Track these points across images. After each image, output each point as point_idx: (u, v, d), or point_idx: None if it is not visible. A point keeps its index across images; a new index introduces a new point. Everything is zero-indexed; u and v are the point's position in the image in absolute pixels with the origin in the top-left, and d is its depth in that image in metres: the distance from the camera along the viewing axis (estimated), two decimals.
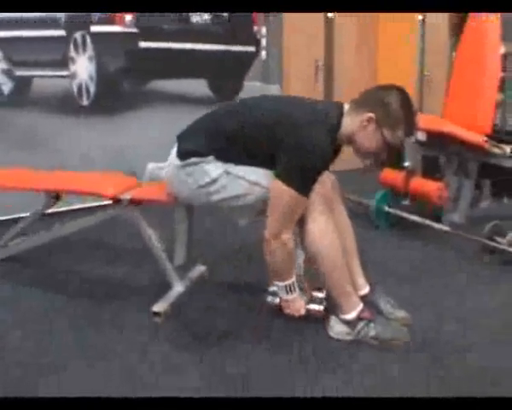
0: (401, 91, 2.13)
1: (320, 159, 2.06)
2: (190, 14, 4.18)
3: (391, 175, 3.49)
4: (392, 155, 2.27)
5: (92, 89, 3.91)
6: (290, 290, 2.23)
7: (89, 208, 3.03)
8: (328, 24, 4.66)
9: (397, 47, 5.25)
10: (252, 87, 4.57)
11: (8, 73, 3.67)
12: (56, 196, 2.81)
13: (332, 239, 2.14)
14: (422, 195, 3.31)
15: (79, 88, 3.89)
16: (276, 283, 2.25)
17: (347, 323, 2.18)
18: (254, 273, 2.73)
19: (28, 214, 2.91)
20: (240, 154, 2.17)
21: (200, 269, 2.81)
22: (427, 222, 3.27)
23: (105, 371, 2.05)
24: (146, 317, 2.38)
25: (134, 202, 2.55)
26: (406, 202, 3.52)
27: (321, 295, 2.34)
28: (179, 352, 2.17)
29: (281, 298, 2.29)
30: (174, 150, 2.29)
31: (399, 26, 5.15)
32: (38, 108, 3.75)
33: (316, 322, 2.30)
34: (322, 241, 2.13)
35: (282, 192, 2.05)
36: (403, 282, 2.76)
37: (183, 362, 2.10)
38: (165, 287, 2.54)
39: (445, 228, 3.17)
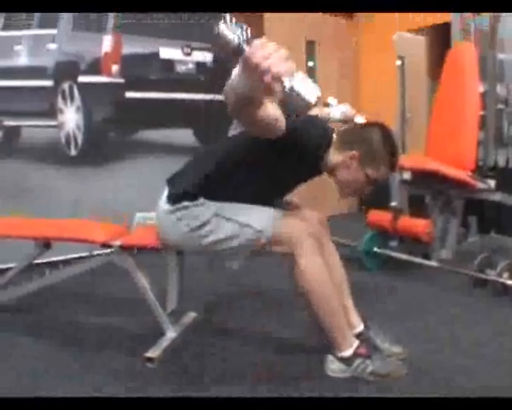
0: (383, 128, 2.17)
1: (309, 147, 2.09)
2: (175, 62, 4.25)
3: (378, 216, 3.53)
4: (374, 191, 2.29)
5: (80, 139, 3.94)
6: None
7: (79, 258, 3.02)
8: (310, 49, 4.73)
9: (379, 83, 5.36)
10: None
11: None
12: (46, 245, 2.79)
13: (324, 276, 2.13)
14: (411, 234, 3.34)
15: (67, 138, 3.92)
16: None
17: (344, 360, 2.17)
18: (247, 318, 2.71)
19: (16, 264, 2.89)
20: (230, 189, 2.18)
21: (192, 315, 2.80)
22: (417, 260, 3.29)
23: None
24: (139, 363, 2.35)
25: (125, 248, 2.54)
26: (394, 244, 3.56)
27: None
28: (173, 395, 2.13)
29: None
30: (164, 195, 2.29)
31: (381, 61, 5.28)
32: (27, 157, 3.77)
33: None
34: (314, 279, 2.12)
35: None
36: (394, 319, 2.76)
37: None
38: (158, 333, 2.52)
39: (435, 264, 3.20)
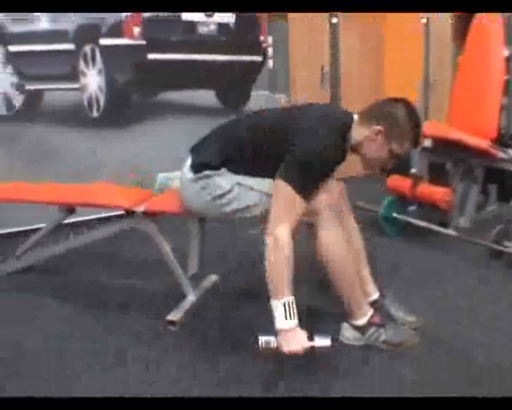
0: (408, 104, 2.18)
1: (324, 162, 2.08)
2: (197, 24, 4.24)
3: (398, 182, 3.53)
4: (398, 163, 2.32)
5: (102, 101, 3.97)
6: (289, 314, 1.96)
7: (105, 218, 3.08)
8: (333, 30, 4.71)
9: (403, 50, 5.28)
10: (259, 96, 4.63)
11: (19, 87, 3.74)
12: (70, 210, 2.86)
13: (342, 248, 2.18)
14: (429, 201, 3.35)
15: (90, 101, 3.95)
16: (273, 301, 1.99)
17: (358, 329, 2.23)
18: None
19: (43, 226, 2.97)
20: (251, 165, 2.22)
21: (212, 279, 2.87)
22: (435, 228, 3.31)
23: (122, 377, 2.11)
24: (161, 325, 2.45)
25: (148, 214, 2.60)
26: (413, 208, 3.56)
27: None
28: (194, 359, 2.22)
29: (277, 332, 1.97)
30: (187, 163, 2.34)
31: (405, 30, 5.19)
32: (49, 120, 3.81)
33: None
34: (333, 250, 2.16)
35: (281, 188, 2.05)
36: (412, 287, 2.80)
37: (198, 370, 2.15)
38: (180, 295, 2.60)
39: (453, 233, 3.21)
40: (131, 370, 2.16)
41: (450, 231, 3.24)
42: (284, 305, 1.96)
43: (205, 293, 2.74)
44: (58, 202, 2.81)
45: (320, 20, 4.68)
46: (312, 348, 1.96)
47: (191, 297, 2.63)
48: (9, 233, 3.59)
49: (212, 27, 4.30)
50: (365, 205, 3.67)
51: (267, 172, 2.18)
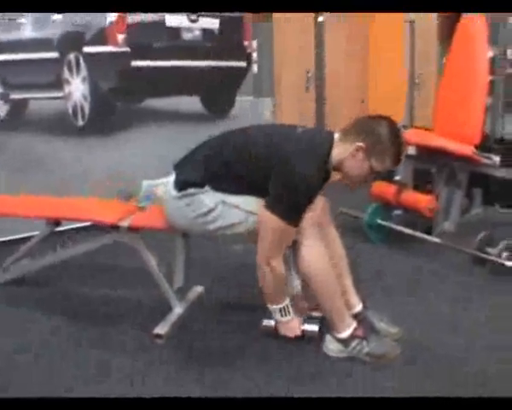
0: (390, 122, 2.21)
1: (308, 190, 2.14)
2: (181, 30, 4.23)
3: (382, 188, 3.54)
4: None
5: (87, 109, 3.96)
6: (284, 313, 2.34)
7: (92, 227, 3.08)
8: (318, 29, 4.71)
9: (388, 51, 5.30)
10: (245, 102, 4.64)
11: (3, 97, 3.72)
12: (56, 223, 2.87)
13: (324, 263, 2.22)
14: (413, 208, 3.37)
15: (74, 109, 3.94)
16: (270, 306, 2.34)
17: (342, 341, 2.26)
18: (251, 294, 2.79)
19: (28, 235, 2.98)
20: (235, 184, 2.25)
21: (197, 290, 2.89)
22: (419, 234, 3.33)
23: (108, 389, 2.11)
24: (147, 337, 2.46)
25: (133, 229, 2.61)
26: (398, 213, 3.58)
27: (316, 315, 2.41)
28: (180, 372, 2.24)
29: (276, 320, 2.38)
30: (171, 180, 2.36)
31: (390, 30, 5.21)
32: (34, 129, 3.79)
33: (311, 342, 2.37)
34: (315, 265, 2.21)
35: (269, 221, 2.14)
36: (395, 295, 2.84)
37: (184, 382, 2.17)
38: (166, 307, 2.62)
39: (436, 240, 3.24)
40: (117, 383, 2.17)
41: (434, 239, 3.26)
42: (281, 309, 2.33)
43: (191, 305, 2.75)
44: (43, 216, 2.81)
45: (305, 19, 4.69)
46: (302, 332, 2.38)
47: (178, 310, 2.64)
48: None
49: (197, 33, 4.29)
50: (350, 211, 3.70)
51: (252, 190, 2.23)
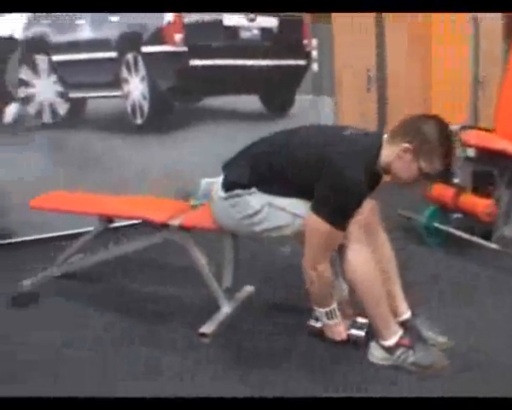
0: (439, 121, 2.13)
1: (356, 194, 2.10)
2: (239, 29, 4.25)
3: (440, 191, 3.44)
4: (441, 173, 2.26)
5: (146, 108, 4.04)
6: (331, 316, 2.32)
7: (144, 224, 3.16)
8: (379, 29, 4.62)
9: (451, 50, 5.13)
10: (304, 100, 4.61)
11: (63, 96, 3.85)
12: (109, 220, 2.94)
13: (370, 268, 2.18)
14: (471, 212, 3.26)
15: (133, 108, 4.03)
16: (317, 309, 2.32)
17: (387, 349, 2.21)
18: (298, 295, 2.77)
19: (83, 230, 3.07)
20: (283, 187, 2.23)
21: (247, 290, 2.90)
22: (476, 239, 3.22)
23: (157, 390, 2.14)
24: (195, 336, 2.49)
25: (184, 228, 2.64)
26: (459, 216, 3.46)
27: (363, 320, 2.38)
28: (228, 371, 2.26)
29: (323, 323, 2.37)
30: (219, 180, 2.37)
31: (453, 29, 5.04)
32: (93, 128, 3.91)
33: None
34: (361, 270, 2.17)
35: (316, 224, 2.10)
36: (448, 302, 2.74)
37: (230, 382, 2.18)
38: (215, 306, 2.64)
39: (494, 246, 3.12)
40: (167, 380, 2.21)
41: (492, 244, 3.13)
42: (327, 312, 2.30)
43: (240, 305, 2.77)
44: (95, 213, 2.89)
45: (366, 20, 4.62)
46: (348, 336, 2.36)
47: (225, 309, 2.66)
48: (52, 237, 3.72)
49: (255, 32, 4.30)
50: (407, 213, 3.62)
51: (299, 193, 2.20)
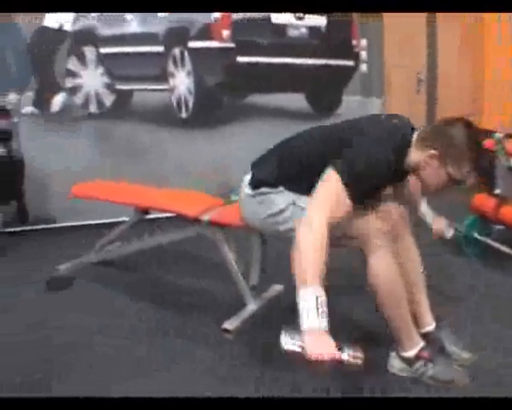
0: (467, 124, 2.06)
1: (379, 171, 2.01)
2: (287, 27, 4.23)
3: (482, 201, 3.34)
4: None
5: (191, 102, 4.09)
6: (317, 306, 1.72)
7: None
8: (431, 30, 4.50)
9: (504, 49, 4.94)
10: (352, 101, 4.57)
11: (109, 87, 3.94)
12: (145, 211, 3.01)
13: (393, 274, 2.11)
14: (510, 224, 3.15)
15: (178, 101, 4.09)
16: (302, 292, 1.76)
17: (406, 360, 2.16)
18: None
19: (122, 219, 3.15)
20: (308, 185, 2.13)
21: (276, 288, 2.91)
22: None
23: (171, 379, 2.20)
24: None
25: (214, 223, 2.67)
26: (501, 228, 3.35)
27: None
28: (243, 368, 2.28)
29: (302, 333, 1.71)
30: (247, 177, 2.38)
31: (506, 27, 4.86)
32: (139, 120, 3.99)
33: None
34: (383, 275, 2.10)
35: (329, 178, 1.98)
36: (478, 317, 2.65)
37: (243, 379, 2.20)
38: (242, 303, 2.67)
39: None
40: (185, 372, 2.26)
41: None
42: (317, 298, 1.73)
43: (268, 303, 2.78)
44: (131, 203, 2.96)
45: (416, 19, 4.51)
46: (340, 360, 1.69)
47: (251, 307, 2.68)
48: (94, 224, 3.85)
49: (303, 30, 4.28)
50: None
51: None
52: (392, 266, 2.12)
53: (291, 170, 2.24)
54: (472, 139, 2.05)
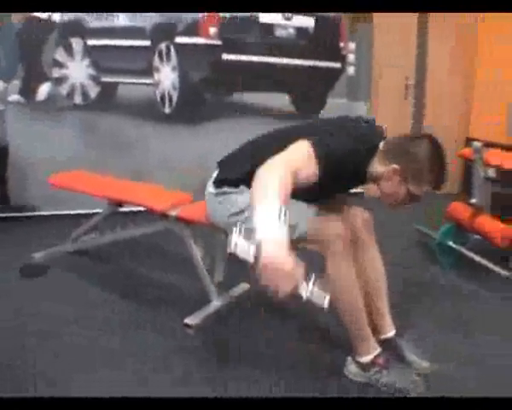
0: (431, 141, 2.06)
1: (348, 161, 2.00)
2: (275, 27, 4.23)
3: (458, 209, 3.33)
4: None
5: (175, 98, 4.08)
6: (279, 216, 1.60)
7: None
8: (421, 27, 4.44)
9: (497, 69, 4.89)
10: (337, 104, 4.56)
11: (94, 79, 3.94)
12: (118, 204, 3.01)
13: (350, 282, 2.10)
14: (485, 235, 3.13)
15: (162, 96, 4.09)
16: (255, 206, 1.69)
17: (361, 365, 2.16)
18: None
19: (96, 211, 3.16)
20: None
21: (243, 287, 2.90)
22: (485, 263, 3.09)
23: (123, 374, 2.19)
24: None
25: (181, 219, 2.67)
26: (478, 237, 3.32)
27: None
28: (199, 366, 2.27)
29: (258, 242, 1.58)
30: (213, 175, 2.37)
31: (501, 48, 4.81)
32: (122, 113, 4.00)
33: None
34: (340, 285, 2.09)
35: (303, 144, 1.95)
36: (449, 329, 2.62)
37: (199, 377, 2.19)
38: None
39: (505, 273, 2.98)
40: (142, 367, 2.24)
41: (504, 272, 2.99)
42: (280, 208, 1.63)
43: (234, 300, 2.78)
44: (103, 196, 2.96)
45: (408, 20, 4.48)
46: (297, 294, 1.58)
47: (215, 303, 2.68)
48: (75, 214, 3.83)
49: (291, 31, 4.27)
50: (423, 229, 3.52)
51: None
52: (349, 273, 2.11)
53: (253, 169, 2.21)
54: (435, 157, 2.05)
